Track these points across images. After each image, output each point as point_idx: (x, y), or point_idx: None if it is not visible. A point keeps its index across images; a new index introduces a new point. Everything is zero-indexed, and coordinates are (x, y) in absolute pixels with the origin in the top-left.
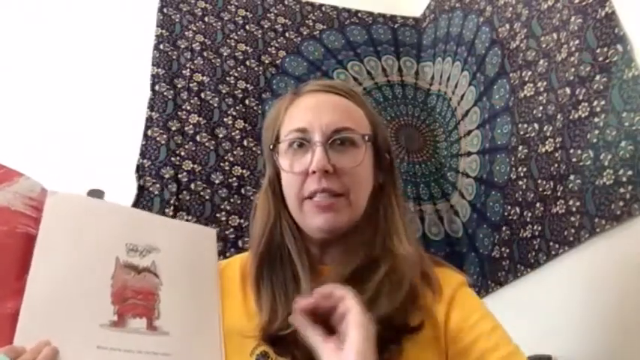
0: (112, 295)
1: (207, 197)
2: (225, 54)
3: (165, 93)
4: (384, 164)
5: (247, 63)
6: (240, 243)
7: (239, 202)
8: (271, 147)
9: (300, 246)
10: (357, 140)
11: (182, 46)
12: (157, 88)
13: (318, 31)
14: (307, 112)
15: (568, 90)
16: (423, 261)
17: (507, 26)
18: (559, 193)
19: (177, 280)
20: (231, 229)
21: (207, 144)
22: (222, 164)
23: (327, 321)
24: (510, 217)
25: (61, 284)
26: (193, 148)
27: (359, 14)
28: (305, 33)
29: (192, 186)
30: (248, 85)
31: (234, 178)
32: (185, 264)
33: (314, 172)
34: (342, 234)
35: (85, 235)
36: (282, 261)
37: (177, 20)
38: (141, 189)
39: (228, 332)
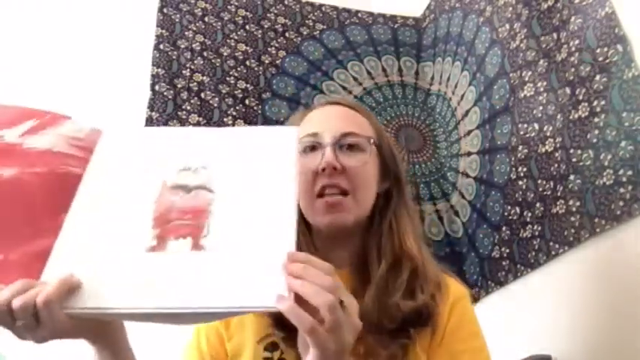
0: (154, 219)
1: None
2: (225, 54)
3: (165, 93)
4: (389, 173)
5: (247, 63)
6: None
7: None
8: None
9: (308, 242)
10: (362, 144)
11: (182, 46)
12: (157, 88)
13: (318, 31)
14: (318, 120)
15: (568, 90)
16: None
17: (507, 26)
18: (559, 193)
19: (238, 194)
20: None
21: None
22: None
23: None
24: (510, 217)
25: (98, 217)
26: None
27: (359, 14)
28: (305, 33)
29: None
30: (248, 85)
31: None
32: (250, 175)
33: (324, 170)
34: (348, 236)
35: (132, 164)
36: None
37: (177, 20)
38: None
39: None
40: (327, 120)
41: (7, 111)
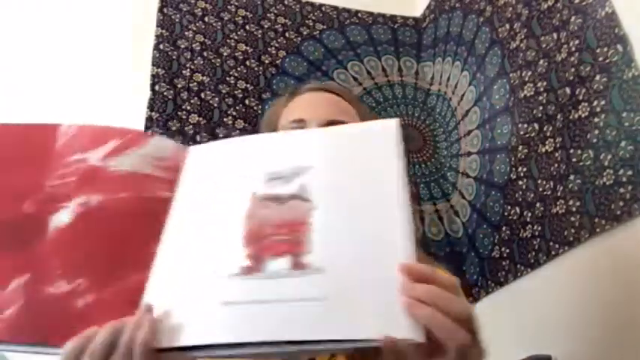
0: (245, 237)
1: None
2: (225, 54)
3: (165, 93)
4: None
5: (247, 63)
6: None
7: None
8: None
9: None
10: None
11: (182, 46)
12: (157, 88)
13: (318, 31)
14: (304, 106)
15: (568, 90)
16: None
17: (507, 26)
18: (559, 193)
19: (337, 199)
20: None
21: None
22: None
23: None
24: (510, 217)
25: (190, 243)
26: None
27: (359, 14)
28: (305, 33)
29: None
30: (248, 85)
31: None
32: (349, 177)
33: None
34: None
35: (219, 180)
36: None
37: (177, 20)
38: None
39: None
40: (313, 106)
41: (88, 130)
